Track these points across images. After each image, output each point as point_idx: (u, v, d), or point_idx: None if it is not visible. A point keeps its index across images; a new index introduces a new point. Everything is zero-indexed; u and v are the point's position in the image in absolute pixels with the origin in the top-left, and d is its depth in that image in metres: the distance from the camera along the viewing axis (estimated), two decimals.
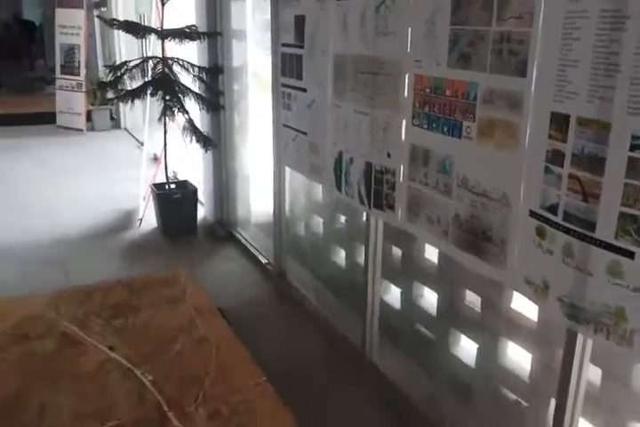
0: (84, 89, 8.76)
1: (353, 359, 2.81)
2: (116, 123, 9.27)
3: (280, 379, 2.17)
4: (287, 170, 3.61)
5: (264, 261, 3.83)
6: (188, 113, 4.22)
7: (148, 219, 4.62)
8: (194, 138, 4.30)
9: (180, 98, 4.24)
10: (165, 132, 4.44)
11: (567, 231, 1.65)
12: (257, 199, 4.53)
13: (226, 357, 2.37)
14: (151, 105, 4.75)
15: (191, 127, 4.35)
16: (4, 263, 3.83)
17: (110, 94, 4.26)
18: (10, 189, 5.59)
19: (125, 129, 8.94)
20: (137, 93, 4.15)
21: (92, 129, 8.78)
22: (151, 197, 4.58)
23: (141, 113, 9.43)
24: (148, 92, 4.13)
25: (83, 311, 2.68)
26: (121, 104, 9.30)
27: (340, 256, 3.44)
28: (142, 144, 7.82)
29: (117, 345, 2.41)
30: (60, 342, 2.41)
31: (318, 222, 3.67)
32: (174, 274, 3.17)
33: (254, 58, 4.37)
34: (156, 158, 6.12)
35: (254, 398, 2.11)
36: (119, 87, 4.03)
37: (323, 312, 3.20)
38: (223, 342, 2.48)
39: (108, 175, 6.18)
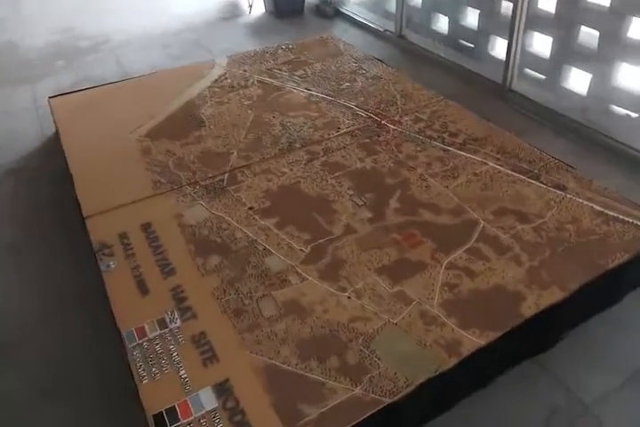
0: None
1: (492, 88, 2.99)
2: None
3: None
4: None
5: (381, 29, 3.81)
6: None
7: (256, 6, 4.48)
8: None
9: None
10: None
11: None
12: None
13: (403, 87, 2.59)
14: None
15: None
16: (148, 51, 3.91)
17: None
18: None
19: None
20: None
21: None
22: None
23: None
24: None
25: (265, 68, 2.87)
26: None
27: (462, 19, 3.39)
28: None
29: (310, 87, 2.66)
30: (263, 89, 2.66)
31: None
32: (321, 38, 3.22)
33: None
34: None
35: (443, 108, 2.38)
36: None
37: (453, 60, 3.26)
38: (395, 79, 2.68)
39: None
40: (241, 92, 2.63)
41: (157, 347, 1.40)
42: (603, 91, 2.76)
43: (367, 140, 2.18)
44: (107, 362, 1.61)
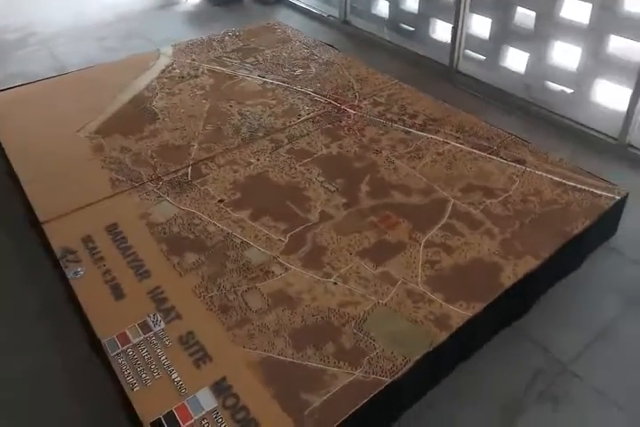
0: None
1: (440, 70, 3.00)
2: None
3: None
4: None
5: (324, 15, 3.75)
6: None
7: None
8: None
9: None
10: None
11: None
12: None
13: (357, 72, 2.56)
14: None
15: None
16: (82, 44, 3.64)
17: None
18: None
19: None
20: None
21: None
22: None
23: None
24: None
25: (213, 56, 2.74)
26: None
27: (402, 3, 3.41)
28: None
29: (263, 75, 2.57)
30: (215, 77, 2.54)
31: None
32: (268, 24, 3.12)
33: None
34: None
35: (399, 91, 2.38)
36: None
37: (399, 44, 3.26)
38: (348, 64, 2.64)
39: None
40: (192, 81, 2.51)
41: (144, 352, 1.31)
42: (539, 68, 2.89)
43: (330, 126, 2.15)
44: (80, 378, 1.51)
